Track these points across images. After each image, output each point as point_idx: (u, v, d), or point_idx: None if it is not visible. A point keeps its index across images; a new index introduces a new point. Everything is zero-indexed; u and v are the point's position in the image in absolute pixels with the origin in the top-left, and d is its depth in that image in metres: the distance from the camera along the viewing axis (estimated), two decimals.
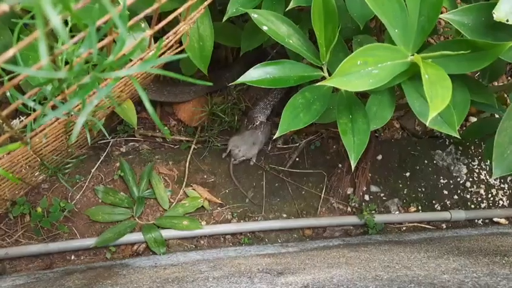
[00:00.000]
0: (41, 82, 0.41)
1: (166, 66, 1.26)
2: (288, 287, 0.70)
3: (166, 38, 0.66)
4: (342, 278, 0.74)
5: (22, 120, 0.49)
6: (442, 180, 1.40)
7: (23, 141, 0.53)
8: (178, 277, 0.86)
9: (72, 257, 1.16)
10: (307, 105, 0.81)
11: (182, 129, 1.34)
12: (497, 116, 1.28)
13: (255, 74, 0.80)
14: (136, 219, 1.19)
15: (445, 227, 1.35)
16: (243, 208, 1.28)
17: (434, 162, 1.42)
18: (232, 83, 0.84)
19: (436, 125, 0.77)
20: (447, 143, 1.44)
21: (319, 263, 0.90)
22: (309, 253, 1.04)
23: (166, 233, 1.19)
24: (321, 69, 0.82)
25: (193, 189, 1.26)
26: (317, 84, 0.70)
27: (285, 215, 1.29)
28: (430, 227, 1.35)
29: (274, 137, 0.83)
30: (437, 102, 0.62)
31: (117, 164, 1.24)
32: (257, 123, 1.26)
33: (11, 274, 1.07)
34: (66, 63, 0.51)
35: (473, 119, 1.45)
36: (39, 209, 1.12)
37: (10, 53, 0.33)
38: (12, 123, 0.67)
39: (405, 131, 1.45)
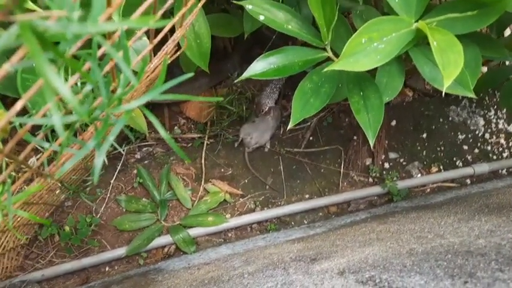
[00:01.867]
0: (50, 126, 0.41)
1: (168, 67, 1.25)
2: (325, 275, 0.70)
3: (165, 47, 0.65)
4: (377, 257, 0.73)
5: (39, 158, 0.49)
6: (460, 136, 1.38)
7: (43, 176, 0.53)
8: (214, 277, 0.87)
9: (107, 268, 1.17)
10: (316, 89, 0.79)
11: (192, 126, 1.33)
12: (508, 63, 1.25)
13: (258, 67, 0.78)
14: (162, 222, 1.20)
15: (469, 182, 1.34)
16: (264, 195, 1.28)
17: (450, 118, 1.39)
18: (236, 80, 0.82)
19: (450, 89, 0.75)
20: (460, 97, 1.42)
21: (350, 242, 0.90)
22: (337, 232, 1.04)
23: (193, 232, 1.20)
24: (325, 49, 0.80)
25: (213, 185, 1.26)
26: (324, 69, 0.68)
27: (307, 196, 1.29)
28: (454, 185, 1.33)
29: (288, 128, 0.82)
30: (450, 69, 0.60)
31: (135, 171, 1.24)
32: (266, 110, 1.24)
33: None
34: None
35: (484, 69, 1.42)
36: (66, 228, 1.14)
37: (18, 106, 0.32)
38: (29, 162, 0.67)
39: (416, 92, 1.42)
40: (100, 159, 0.34)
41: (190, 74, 0.41)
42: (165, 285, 0.91)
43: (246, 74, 0.78)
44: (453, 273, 0.56)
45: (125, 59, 0.35)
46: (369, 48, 0.65)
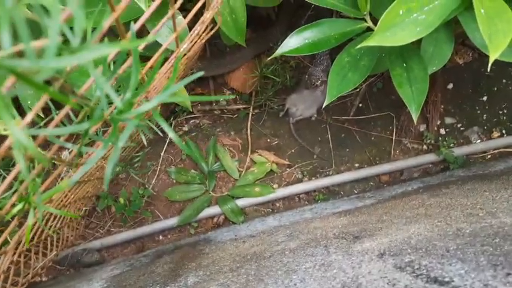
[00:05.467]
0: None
1: (210, 42, 1.24)
2: (364, 256, 0.69)
3: (195, 30, 0.63)
4: (421, 237, 0.71)
5: (71, 151, 0.50)
6: None
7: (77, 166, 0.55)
8: (256, 252, 0.88)
9: (160, 237, 1.23)
10: (354, 63, 0.75)
11: (237, 97, 1.32)
12: None
13: (292, 43, 0.75)
14: (211, 193, 1.23)
15: None
16: (312, 165, 1.26)
17: None
18: (271, 57, 0.79)
19: (504, 57, 0.68)
20: None
21: (396, 218, 0.87)
22: (386, 205, 1.01)
23: (241, 202, 1.22)
24: (364, 19, 0.75)
25: (259, 155, 1.26)
26: (358, 46, 0.63)
27: (357, 165, 1.26)
28: None
29: (323, 106, 0.78)
30: (497, 40, 0.54)
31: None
32: (318, 83, 1.19)
33: (110, 261, 1.17)
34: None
35: None
36: (121, 200, 1.20)
37: (28, 118, 0.33)
38: (62, 155, 0.70)
39: (475, 52, 1.31)
40: (109, 168, 0.34)
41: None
42: (210, 258, 0.94)
43: (279, 51, 0.75)
44: (497, 262, 0.53)
45: (135, 72, 0.34)
46: (408, 20, 0.60)
